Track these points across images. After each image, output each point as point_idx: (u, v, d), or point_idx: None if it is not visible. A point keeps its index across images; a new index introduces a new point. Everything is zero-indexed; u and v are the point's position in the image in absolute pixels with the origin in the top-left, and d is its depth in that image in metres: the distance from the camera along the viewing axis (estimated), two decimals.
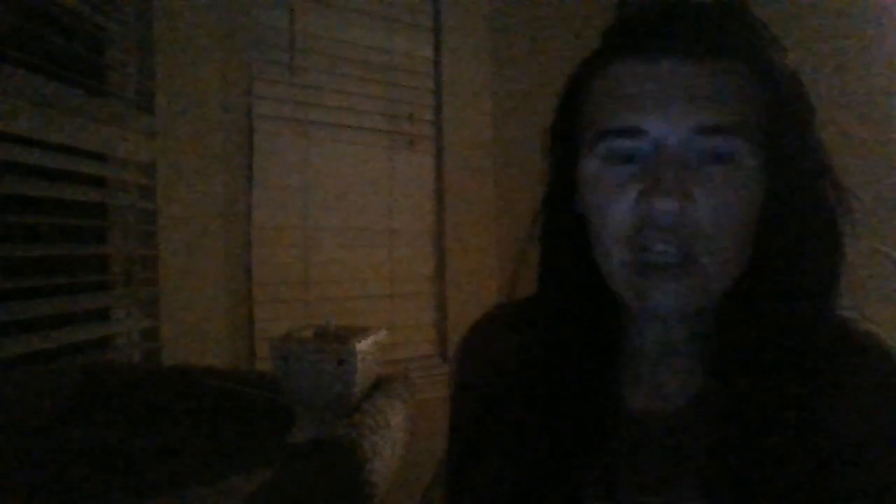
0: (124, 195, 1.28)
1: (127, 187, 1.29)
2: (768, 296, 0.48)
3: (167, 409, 1.00)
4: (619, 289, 0.49)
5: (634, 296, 0.48)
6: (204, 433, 0.94)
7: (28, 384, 0.94)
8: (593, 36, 0.57)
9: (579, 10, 1.92)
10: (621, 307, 0.54)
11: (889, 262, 1.60)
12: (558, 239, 0.56)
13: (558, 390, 0.52)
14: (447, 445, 0.62)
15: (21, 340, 1.00)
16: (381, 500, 0.86)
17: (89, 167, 1.18)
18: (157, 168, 1.30)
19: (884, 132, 1.70)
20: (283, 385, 0.94)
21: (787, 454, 0.44)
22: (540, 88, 0.64)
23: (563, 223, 0.55)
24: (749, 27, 0.48)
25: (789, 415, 0.45)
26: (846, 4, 1.72)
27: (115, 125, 1.22)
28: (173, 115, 1.33)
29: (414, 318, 1.82)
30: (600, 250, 0.49)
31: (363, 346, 0.95)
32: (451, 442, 0.62)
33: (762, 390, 0.46)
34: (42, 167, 1.05)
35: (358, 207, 1.71)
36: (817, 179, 0.48)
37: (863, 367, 0.48)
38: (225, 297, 1.43)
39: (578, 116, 0.52)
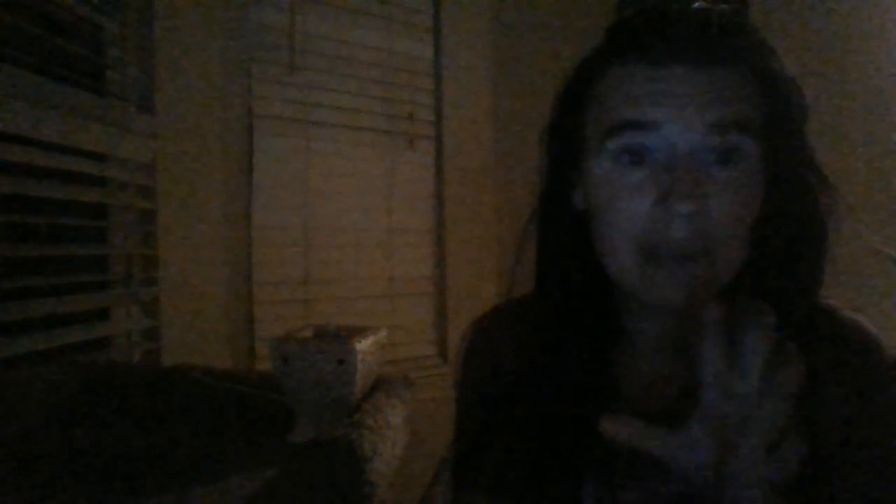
0: (124, 195, 1.28)
1: (127, 187, 1.29)
2: (760, 284, 0.51)
3: (167, 409, 1.00)
4: (628, 281, 0.51)
5: (646, 287, 0.50)
6: (204, 433, 0.94)
7: (28, 384, 0.94)
8: (594, 36, 0.58)
9: (579, 10, 1.92)
10: (620, 302, 0.56)
11: (889, 262, 1.59)
12: (557, 235, 0.57)
13: (559, 383, 0.54)
14: (453, 438, 0.64)
15: (21, 340, 1.00)
16: (381, 500, 0.86)
17: (89, 167, 1.18)
18: (157, 168, 1.30)
19: (885, 133, 1.70)
20: (283, 385, 0.94)
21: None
22: (540, 88, 0.66)
23: (561, 220, 0.57)
24: (747, 35, 0.51)
25: None
26: (849, 7, 1.72)
27: (115, 125, 1.22)
28: (173, 115, 1.33)
29: (414, 318, 1.82)
30: (608, 246, 0.51)
31: (363, 346, 0.95)
32: (458, 435, 0.64)
33: None
34: (42, 167, 1.05)
35: (358, 207, 1.71)
36: (806, 174, 0.52)
37: (851, 351, 0.51)
38: (225, 297, 1.43)
39: (580, 117, 0.53)
